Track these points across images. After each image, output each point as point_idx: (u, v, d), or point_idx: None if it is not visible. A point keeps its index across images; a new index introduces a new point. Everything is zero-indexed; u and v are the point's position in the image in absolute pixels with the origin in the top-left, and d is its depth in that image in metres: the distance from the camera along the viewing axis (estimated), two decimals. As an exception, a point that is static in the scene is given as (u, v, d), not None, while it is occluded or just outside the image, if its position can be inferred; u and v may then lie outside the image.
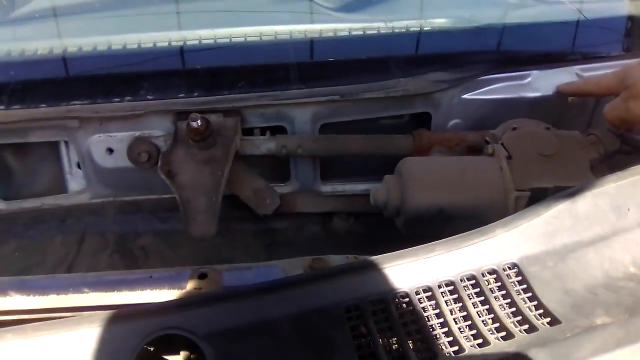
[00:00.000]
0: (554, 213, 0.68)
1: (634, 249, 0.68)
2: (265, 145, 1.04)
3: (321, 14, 1.28)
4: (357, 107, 1.06)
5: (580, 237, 0.68)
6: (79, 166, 1.10)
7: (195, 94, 1.03)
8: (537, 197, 0.88)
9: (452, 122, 1.12)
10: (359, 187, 1.16)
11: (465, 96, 1.10)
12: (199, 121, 0.96)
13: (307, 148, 1.04)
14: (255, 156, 1.06)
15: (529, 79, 1.12)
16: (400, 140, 1.06)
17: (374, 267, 0.63)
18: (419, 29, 1.21)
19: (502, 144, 0.92)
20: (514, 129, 0.97)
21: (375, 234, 1.09)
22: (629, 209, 0.71)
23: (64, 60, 1.09)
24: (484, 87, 1.10)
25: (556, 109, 1.14)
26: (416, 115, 1.13)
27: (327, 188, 1.16)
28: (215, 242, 1.03)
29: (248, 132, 1.08)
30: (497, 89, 1.11)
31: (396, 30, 1.20)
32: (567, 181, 0.89)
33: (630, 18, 1.31)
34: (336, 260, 0.80)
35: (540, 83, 1.12)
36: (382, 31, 1.20)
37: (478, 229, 0.66)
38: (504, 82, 1.11)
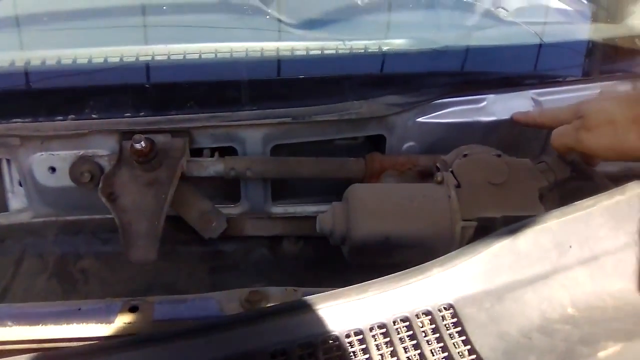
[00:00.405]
0: (494, 251, 0.66)
1: (574, 288, 0.67)
2: (213, 167, 1.01)
3: (282, 31, 1.26)
4: (309, 129, 1.04)
5: (519, 276, 0.66)
6: (20, 184, 1.06)
7: (142, 113, 1.00)
8: (485, 227, 0.87)
9: (406, 145, 1.11)
10: (311, 208, 1.13)
11: (420, 119, 1.08)
12: (142, 142, 0.93)
13: (256, 170, 1.02)
14: (204, 177, 1.02)
15: (485, 102, 1.11)
16: (352, 164, 1.04)
17: (306, 308, 0.60)
18: (377, 49, 1.19)
19: (451, 171, 0.90)
20: (465, 155, 0.95)
21: (325, 258, 1.06)
22: (570, 246, 0.69)
23: (8, 75, 1.05)
24: (439, 111, 1.09)
25: (511, 134, 1.13)
26: (371, 137, 1.11)
27: (278, 209, 1.13)
28: (159, 266, 0.99)
29: (197, 152, 1.05)
30: (452, 112, 1.09)
31: (354, 51, 1.18)
32: (515, 210, 0.88)
33: (591, 43, 1.31)
34: (275, 292, 0.78)
35: (496, 107, 1.11)
36: (340, 51, 1.17)
37: (414, 267, 0.64)
38: (459, 105, 1.10)
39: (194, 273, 1.08)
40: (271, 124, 1.02)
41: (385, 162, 1.03)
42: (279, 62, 1.12)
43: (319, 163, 1.04)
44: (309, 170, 1.03)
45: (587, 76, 1.21)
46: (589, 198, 0.73)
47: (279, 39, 1.23)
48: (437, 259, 0.65)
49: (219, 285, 1.06)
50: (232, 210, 1.12)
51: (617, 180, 1.07)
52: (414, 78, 1.09)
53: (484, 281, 0.64)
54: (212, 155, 1.04)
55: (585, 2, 1.50)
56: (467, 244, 0.86)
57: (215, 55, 1.12)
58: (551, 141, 0.96)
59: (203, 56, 1.12)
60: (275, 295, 0.77)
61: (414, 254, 0.87)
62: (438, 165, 0.97)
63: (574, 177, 0.99)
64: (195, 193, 1.04)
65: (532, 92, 1.14)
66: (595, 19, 1.47)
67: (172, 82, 1.06)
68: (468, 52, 1.16)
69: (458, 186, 0.89)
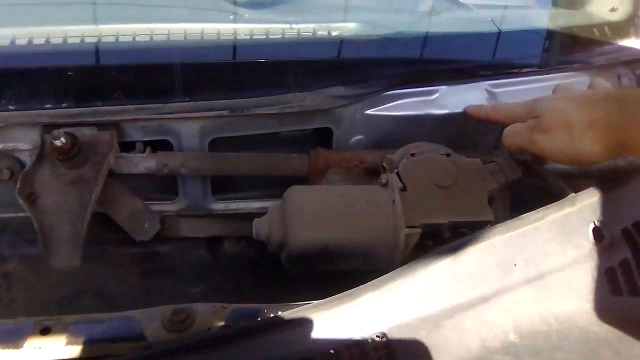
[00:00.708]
0: (432, 272, 0.61)
1: (517, 311, 0.62)
2: (144, 163, 0.94)
3: (226, 12, 1.17)
4: (249, 122, 0.97)
5: (459, 299, 0.61)
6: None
7: (65, 104, 0.91)
8: (430, 233, 0.83)
9: (354, 139, 1.05)
10: (255, 205, 1.07)
11: (368, 112, 1.02)
12: (62, 138, 0.85)
13: (191, 167, 0.95)
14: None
15: (437, 95, 1.05)
16: (295, 161, 0.97)
17: (232, 341, 0.55)
18: (326, 34, 1.11)
19: (397, 172, 0.85)
20: (413, 154, 0.89)
21: (267, 259, 1.00)
22: (515, 265, 0.65)
23: None
24: (389, 103, 1.03)
25: (464, 128, 1.08)
26: (319, 130, 1.04)
27: (219, 206, 1.07)
28: (88, 269, 0.92)
29: (128, 146, 0.97)
30: (402, 104, 1.04)
31: (302, 35, 1.10)
32: (463, 215, 0.83)
33: (549, 31, 1.26)
34: (202, 309, 0.72)
35: (448, 100, 1.05)
36: (287, 35, 1.10)
37: (346, 292, 0.58)
38: (410, 97, 1.04)
39: (126, 277, 1.01)
40: (207, 117, 0.94)
41: (330, 158, 0.97)
42: (219, 47, 1.04)
43: (259, 159, 0.97)
44: (248, 167, 0.97)
45: (544, 66, 1.16)
46: (536, 210, 0.68)
47: (222, 20, 1.13)
48: (370, 282, 0.60)
49: (153, 290, 1.00)
50: (168, 207, 1.05)
51: (572, 179, 1.04)
52: (362, 67, 1.02)
53: (420, 306, 0.59)
54: (145, 150, 0.97)
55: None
56: (413, 251, 0.82)
57: (151, 38, 1.03)
58: (503, 139, 0.91)
59: (137, 39, 1.03)
60: (202, 313, 0.71)
61: (356, 262, 0.82)
62: (384, 164, 0.91)
63: (526, 177, 0.95)
64: (126, 191, 0.97)
65: (486, 84, 1.09)
66: (555, 3, 1.42)
67: (98, 67, 0.97)
68: (421, 40, 1.10)
69: (403, 189, 0.84)
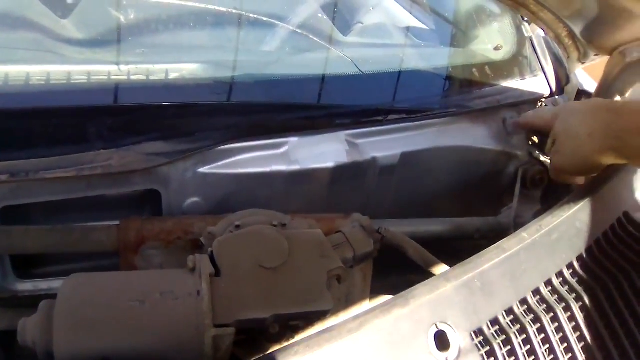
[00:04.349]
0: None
1: None
2: None
3: (54, 53, 0.97)
4: (46, 188, 0.78)
5: None
6: None
7: None
8: (250, 331, 0.65)
9: (188, 202, 0.87)
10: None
11: (202, 170, 0.86)
12: None
13: (-36, 245, 0.74)
14: None
15: (286, 147, 0.89)
16: (101, 234, 0.79)
17: None
18: (162, 77, 0.94)
19: (211, 253, 0.67)
20: (237, 227, 0.72)
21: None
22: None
23: None
24: (227, 159, 0.87)
25: (322, 186, 0.92)
26: (150, 192, 0.86)
27: (25, 286, 0.87)
28: None
29: None
30: (243, 160, 0.88)
31: (133, 77, 0.93)
32: (293, 306, 0.67)
33: (425, 73, 1.13)
34: None
35: (300, 153, 0.90)
36: (113, 77, 0.92)
37: None
38: (253, 152, 0.88)
39: None
40: None
41: (146, 230, 0.79)
42: (16, 93, 0.85)
43: (55, 233, 0.78)
44: (41, 243, 0.77)
45: (416, 112, 1.02)
46: (353, 317, 0.52)
47: (39, 61, 0.94)
48: None
49: None
50: (-45, 289, 0.84)
51: (443, 241, 0.90)
52: (188, 116, 0.85)
53: None
54: None
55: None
56: (227, 354, 0.65)
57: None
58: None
59: None
60: None
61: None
62: (203, 239, 0.74)
63: (382, 249, 0.80)
64: None
65: (345, 134, 0.94)
66: (449, 43, 1.31)
67: None
68: (266, 83, 0.94)
69: (217, 274, 0.66)
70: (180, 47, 1.01)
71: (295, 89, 0.96)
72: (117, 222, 0.81)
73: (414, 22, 1.33)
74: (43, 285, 0.88)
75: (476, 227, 1.00)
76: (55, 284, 0.88)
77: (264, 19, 0.98)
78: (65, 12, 1.00)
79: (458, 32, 1.34)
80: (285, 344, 0.53)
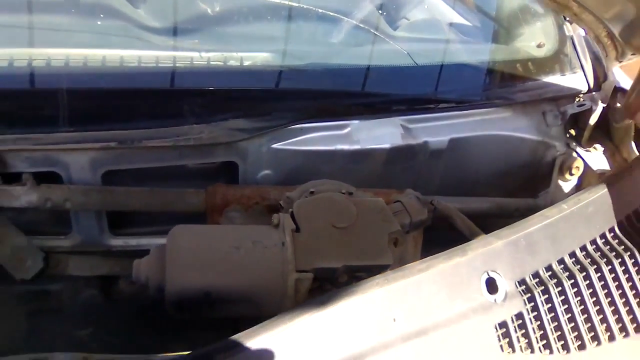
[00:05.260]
0: (297, 330, 0.55)
1: (392, 373, 0.57)
2: (25, 196, 0.87)
3: (135, 38, 1.10)
4: (144, 155, 0.91)
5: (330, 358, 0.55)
6: None
7: None
8: (324, 278, 0.77)
9: (261, 173, 1.00)
10: (156, 241, 1.00)
11: (275, 146, 0.97)
12: None
13: (76, 201, 0.88)
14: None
15: (348, 129, 1.01)
16: (191, 197, 0.91)
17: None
18: (238, 63, 1.06)
19: (291, 212, 0.80)
20: (312, 192, 0.84)
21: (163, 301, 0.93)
22: (394, 320, 0.59)
23: None
24: (297, 137, 0.98)
25: (378, 164, 1.04)
26: (227, 163, 0.99)
27: (117, 242, 1.00)
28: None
29: (13, 177, 0.89)
30: (311, 139, 0.99)
31: (212, 63, 1.05)
32: (360, 259, 0.78)
33: (472, 67, 1.23)
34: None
35: (360, 135, 1.01)
36: (195, 62, 1.04)
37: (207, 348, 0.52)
38: (320, 131, 0.99)
39: (8, 317, 0.92)
40: (95, 149, 0.88)
41: (230, 195, 0.91)
42: (111, 74, 0.97)
43: (152, 194, 0.91)
44: (140, 202, 0.90)
45: (464, 102, 1.12)
46: (421, 260, 0.63)
47: (130, 46, 1.06)
48: (241, 333, 0.53)
49: (38, 331, 0.92)
50: (62, 242, 0.98)
51: (485, 217, 1.00)
52: (266, 99, 0.97)
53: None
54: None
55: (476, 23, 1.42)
56: (304, 297, 0.77)
57: (49, 63, 0.96)
58: None
59: (34, 63, 0.96)
60: (63, 362, 0.63)
61: (242, 308, 0.76)
62: (282, 203, 0.86)
63: (433, 217, 0.91)
64: (7, 225, 0.89)
65: (401, 119, 1.05)
66: (492, 39, 1.41)
67: None
68: (333, 72, 1.05)
69: (297, 230, 0.78)
70: (252, 36, 1.13)
71: (356, 77, 1.07)
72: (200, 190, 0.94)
73: (458, 19, 1.43)
74: (132, 241, 1.01)
75: (516, 207, 1.10)
76: (142, 241, 1.02)
77: (330, 13, 1.10)
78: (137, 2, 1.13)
79: (502, 29, 1.43)
80: (368, 278, 0.64)
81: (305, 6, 1.09)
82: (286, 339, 0.55)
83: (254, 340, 0.56)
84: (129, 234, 1.02)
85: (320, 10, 1.13)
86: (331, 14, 1.15)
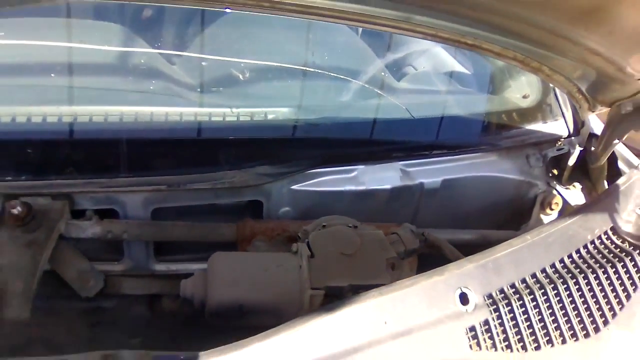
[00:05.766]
0: (312, 327, 0.74)
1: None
2: (91, 229, 1.07)
3: (177, 96, 1.29)
4: (187, 195, 1.11)
5: (335, 349, 0.74)
6: None
7: (23, 177, 1.05)
8: (333, 295, 0.96)
9: (282, 210, 1.19)
10: (193, 266, 1.20)
11: (294, 187, 1.17)
12: (18, 207, 0.98)
13: (132, 234, 1.08)
14: (85, 237, 1.08)
15: (355, 172, 1.21)
16: (225, 229, 1.11)
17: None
18: (262, 118, 1.27)
19: (307, 242, 0.99)
20: (324, 226, 1.04)
21: (202, 316, 1.12)
22: (385, 322, 0.78)
23: None
24: (312, 180, 1.18)
25: (381, 202, 1.23)
26: (252, 201, 1.19)
27: (161, 267, 1.19)
28: (39, 321, 1.04)
29: (79, 213, 1.10)
30: (324, 181, 1.19)
31: (241, 118, 1.26)
32: (363, 279, 0.97)
33: (462, 118, 1.43)
34: (127, 355, 0.83)
35: (365, 177, 1.21)
36: (227, 118, 1.25)
37: (236, 342, 0.71)
38: (331, 175, 1.19)
39: (73, 328, 1.12)
40: (148, 191, 1.08)
41: (256, 228, 1.11)
42: (162, 128, 1.19)
43: (193, 227, 1.11)
44: (183, 234, 1.10)
45: (455, 148, 1.32)
46: (408, 278, 0.83)
47: (172, 104, 1.28)
48: (260, 334, 0.72)
49: (97, 340, 1.12)
50: (116, 267, 1.17)
51: (472, 247, 1.19)
52: (287, 148, 1.18)
53: (298, 355, 0.72)
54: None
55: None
56: (316, 309, 0.96)
57: (106, 119, 1.17)
58: None
59: (94, 119, 1.17)
60: (128, 359, 0.82)
61: (267, 318, 0.95)
62: (299, 234, 1.05)
63: (425, 246, 1.10)
64: (74, 253, 1.10)
65: (400, 164, 1.25)
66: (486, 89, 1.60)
67: (53, 144, 1.10)
68: (343, 125, 1.26)
69: (312, 256, 0.98)
70: (274, 95, 1.34)
71: (362, 128, 1.28)
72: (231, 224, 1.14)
73: (458, 67, 1.64)
74: (173, 266, 1.21)
75: (498, 238, 1.28)
76: (181, 266, 1.21)
77: (340, 76, 1.31)
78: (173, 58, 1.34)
79: (494, 80, 1.63)
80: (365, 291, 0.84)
81: (319, 71, 1.30)
82: (302, 335, 0.74)
83: (279, 336, 0.74)
84: (170, 260, 1.21)
85: (332, 74, 1.34)
86: (341, 76, 1.36)
